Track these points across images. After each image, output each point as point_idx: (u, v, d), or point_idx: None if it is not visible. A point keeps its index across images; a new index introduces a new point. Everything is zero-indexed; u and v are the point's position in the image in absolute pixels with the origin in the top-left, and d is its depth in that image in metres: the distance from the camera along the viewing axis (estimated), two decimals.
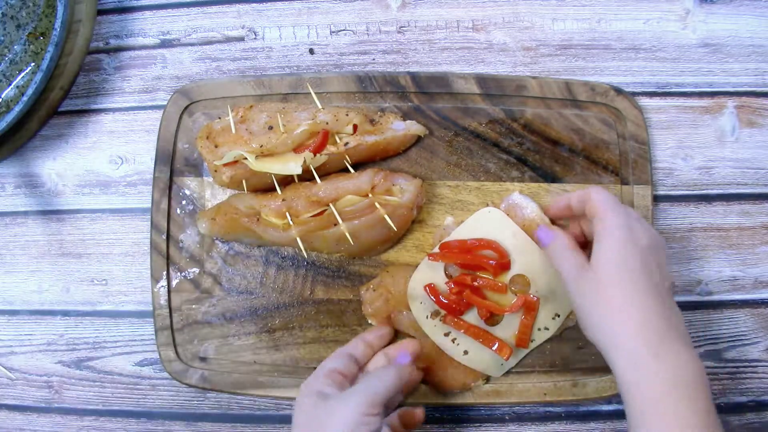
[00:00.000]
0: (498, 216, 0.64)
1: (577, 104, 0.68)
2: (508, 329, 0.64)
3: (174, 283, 0.69)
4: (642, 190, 0.68)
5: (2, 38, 0.69)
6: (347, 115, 0.65)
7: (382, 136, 0.65)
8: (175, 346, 0.68)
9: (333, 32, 0.73)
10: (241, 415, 0.70)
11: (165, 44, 0.73)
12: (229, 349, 0.68)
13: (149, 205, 0.69)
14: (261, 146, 0.64)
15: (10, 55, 0.69)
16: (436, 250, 0.65)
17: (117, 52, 0.74)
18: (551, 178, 0.68)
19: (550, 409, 0.69)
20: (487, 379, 0.66)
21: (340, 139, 0.65)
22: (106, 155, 0.73)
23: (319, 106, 0.67)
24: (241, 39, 0.73)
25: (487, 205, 0.66)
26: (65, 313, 0.72)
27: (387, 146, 0.66)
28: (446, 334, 0.64)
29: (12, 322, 0.73)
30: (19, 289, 0.73)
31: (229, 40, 0.73)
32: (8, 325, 0.73)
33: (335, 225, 0.63)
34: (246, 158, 0.63)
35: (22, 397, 0.72)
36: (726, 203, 0.70)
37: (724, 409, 0.68)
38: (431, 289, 0.63)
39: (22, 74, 0.69)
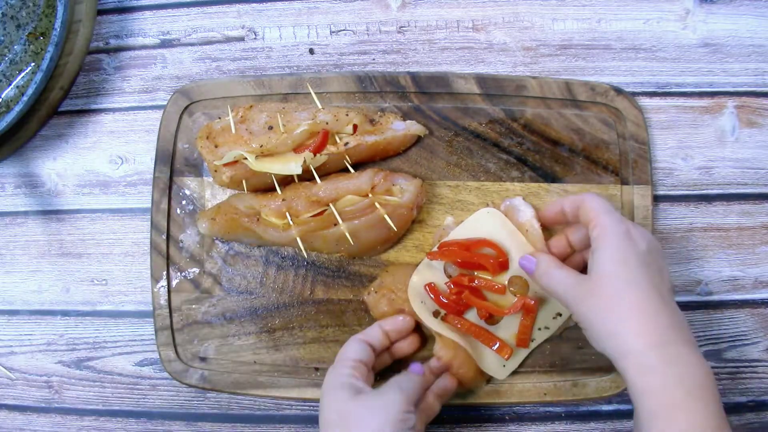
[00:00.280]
0: (497, 216, 0.64)
1: (577, 104, 0.68)
2: (508, 329, 0.64)
3: (174, 283, 0.69)
4: (642, 190, 0.68)
5: (2, 38, 0.69)
6: (347, 115, 0.65)
7: (382, 136, 0.65)
8: (175, 346, 0.68)
9: (333, 32, 0.73)
10: (241, 415, 0.70)
11: (165, 44, 0.73)
12: (229, 349, 0.68)
13: (149, 205, 0.69)
14: (261, 146, 0.64)
15: (10, 55, 0.69)
16: (436, 249, 0.65)
17: (117, 52, 0.74)
18: (551, 178, 0.68)
19: (550, 409, 0.69)
20: (488, 379, 0.66)
21: (340, 139, 0.65)
22: (106, 155, 0.73)
23: (319, 106, 0.67)
24: (241, 39, 0.73)
25: (487, 205, 0.66)
26: (65, 313, 0.72)
27: (387, 146, 0.66)
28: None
29: (12, 322, 0.73)
30: (19, 289, 0.73)
31: (229, 40, 0.73)
32: (8, 325, 0.73)
33: (335, 225, 0.63)
34: (246, 158, 0.63)
35: (22, 397, 0.72)
36: (726, 203, 0.70)
37: (724, 409, 0.68)
38: (431, 289, 0.63)
39: (22, 74, 0.69)
